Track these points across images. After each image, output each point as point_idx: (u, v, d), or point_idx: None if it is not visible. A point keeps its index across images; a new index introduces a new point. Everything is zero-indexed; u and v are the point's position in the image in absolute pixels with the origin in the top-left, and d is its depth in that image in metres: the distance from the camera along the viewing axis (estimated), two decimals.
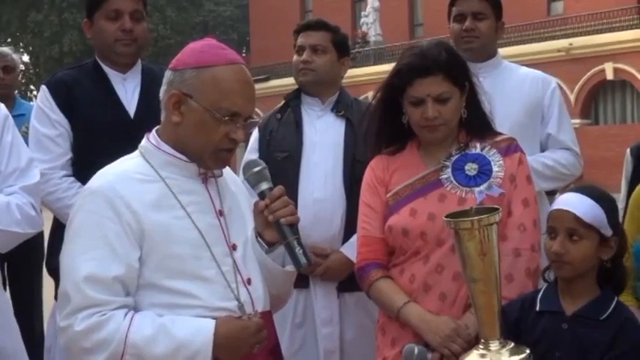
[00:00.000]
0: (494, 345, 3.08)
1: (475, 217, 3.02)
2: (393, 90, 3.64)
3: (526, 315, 3.36)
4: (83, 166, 4.18)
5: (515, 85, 4.80)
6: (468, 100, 3.65)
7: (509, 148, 3.68)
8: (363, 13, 41.28)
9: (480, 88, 3.70)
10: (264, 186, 3.10)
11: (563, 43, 31.56)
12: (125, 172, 3.00)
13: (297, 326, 4.64)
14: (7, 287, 6.79)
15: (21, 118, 7.02)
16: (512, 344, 3.11)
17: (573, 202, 3.28)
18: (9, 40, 51.51)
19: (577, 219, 3.24)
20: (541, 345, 3.28)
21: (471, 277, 3.07)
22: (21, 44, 51.78)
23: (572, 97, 31.35)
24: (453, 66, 3.59)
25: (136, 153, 3.09)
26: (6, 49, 7.46)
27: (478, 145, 3.66)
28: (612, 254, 3.30)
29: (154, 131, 3.10)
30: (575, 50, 31.18)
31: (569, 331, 3.27)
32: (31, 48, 50.54)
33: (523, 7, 34.39)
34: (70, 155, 4.45)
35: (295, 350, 4.62)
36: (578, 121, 31.15)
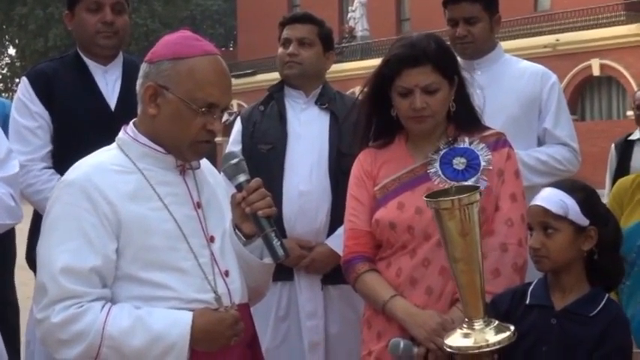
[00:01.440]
0: (479, 324, 3.11)
1: (455, 197, 3.04)
2: (382, 81, 3.62)
3: (516, 307, 3.35)
4: (63, 158, 4.12)
5: (513, 78, 4.76)
6: (457, 94, 3.63)
7: (498, 142, 3.66)
8: (350, 7, 41.32)
9: (469, 82, 3.68)
10: (242, 178, 3.08)
11: (549, 38, 31.59)
12: (102, 164, 2.98)
13: (281, 319, 4.60)
14: None
15: None
16: (497, 322, 3.12)
17: (543, 197, 3.29)
18: None
19: (546, 212, 3.24)
20: (528, 338, 3.26)
21: (453, 256, 3.10)
22: (6, 37, 51.73)
23: None
24: (442, 58, 3.57)
25: (114, 145, 3.07)
26: None
27: (467, 139, 3.64)
28: (593, 244, 3.27)
29: (131, 123, 3.08)
30: (562, 46, 31.21)
31: (557, 326, 3.25)
32: (17, 41, 50.45)
33: (510, 3, 34.23)
34: (50, 147, 4.42)
35: (278, 343, 4.59)
36: None
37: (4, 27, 50.54)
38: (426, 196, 3.11)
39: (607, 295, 3.30)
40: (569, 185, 3.32)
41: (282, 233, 4.42)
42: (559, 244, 3.23)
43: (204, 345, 2.90)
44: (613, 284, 3.40)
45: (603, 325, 3.19)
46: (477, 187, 3.10)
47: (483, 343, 3.09)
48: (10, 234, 6.80)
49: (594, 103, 32.82)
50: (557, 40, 31.38)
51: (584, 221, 3.25)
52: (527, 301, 3.33)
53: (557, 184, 3.35)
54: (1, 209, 3.61)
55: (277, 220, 4.38)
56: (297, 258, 4.48)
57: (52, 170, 4.35)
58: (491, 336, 3.09)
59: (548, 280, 3.34)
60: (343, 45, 38.59)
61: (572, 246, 3.25)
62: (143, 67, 3.03)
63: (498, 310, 3.33)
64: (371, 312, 3.65)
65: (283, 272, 4.44)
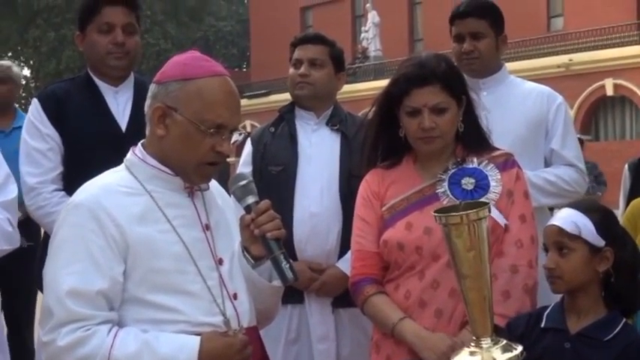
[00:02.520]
0: (486, 342, 3.04)
1: (463, 212, 2.99)
2: (390, 100, 3.60)
3: (531, 331, 3.32)
4: (74, 180, 4.08)
5: (519, 99, 4.72)
6: (465, 115, 3.61)
7: (507, 163, 3.64)
8: (363, 28, 41.37)
9: (477, 103, 3.66)
10: (251, 200, 3.05)
11: (563, 58, 31.57)
12: (110, 185, 2.96)
13: (291, 342, 4.56)
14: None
15: (21, 130, 7.00)
16: (505, 341, 3.07)
17: (559, 217, 3.27)
18: (10, 54, 51.69)
19: (561, 231, 3.22)
20: None
21: (461, 272, 3.05)
22: (21, 58, 51.94)
23: (572, 113, 31.35)
24: (451, 77, 3.55)
25: (122, 166, 3.05)
26: (5, 63, 7.42)
27: (475, 159, 3.62)
28: (609, 265, 3.23)
29: (139, 144, 3.06)
30: (575, 66, 31.18)
31: (571, 350, 3.21)
32: (31, 62, 50.68)
33: (523, 23, 34.39)
34: (60, 169, 4.40)
35: None
36: (578, 136, 31.09)
37: (19, 49, 50.79)
38: (434, 212, 3.09)
39: (624, 319, 3.25)
40: (585, 205, 3.30)
41: (292, 255, 4.43)
42: (573, 264, 3.20)
43: None
44: (631, 308, 3.34)
45: (618, 350, 3.15)
46: (487, 204, 3.06)
47: None
48: (31, 254, 6.85)
49: (608, 123, 32.75)
50: (571, 60, 31.35)
51: (600, 242, 3.21)
52: (543, 325, 3.30)
53: (573, 205, 3.32)
54: (1, 235, 3.59)
55: (288, 243, 4.39)
56: (307, 281, 4.45)
57: (62, 192, 4.32)
58: (499, 355, 3.02)
59: (565, 303, 3.30)
60: (356, 65, 38.64)
61: (586, 267, 3.21)
62: (151, 88, 3.02)
63: (513, 333, 3.30)
64: (379, 335, 3.62)
65: (294, 295, 4.43)
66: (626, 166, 8.23)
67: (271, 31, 44.26)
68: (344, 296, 4.27)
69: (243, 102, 37.88)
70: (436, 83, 3.50)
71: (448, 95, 3.52)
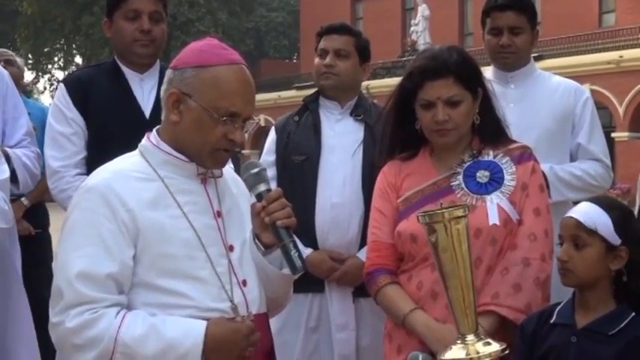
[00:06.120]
0: (470, 338, 3.12)
1: (440, 211, 3.06)
2: (406, 93, 3.60)
3: (541, 327, 3.31)
4: (97, 164, 4.12)
5: (547, 93, 4.71)
6: (482, 107, 3.60)
7: (523, 156, 3.62)
8: (412, 21, 41.19)
9: (493, 95, 3.64)
10: (262, 187, 3.05)
11: (613, 55, 31.23)
12: (122, 170, 2.98)
13: (312, 330, 4.59)
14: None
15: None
16: (488, 339, 3.16)
17: (578, 210, 3.25)
18: (62, 41, 52.09)
19: (579, 225, 3.20)
20: (551, 356, 3.23)
21: (442, 271, 3.11)
22: (74, 45, 52.32)
23: (621, 110, 31.03)
24: (464, 69, 3.53)
25: (136, 152, 3.07)
26: (9, 50, 7.51)
27: (491, 152, 3.61)
28: (622, 264, 3.21)
29: (154, 130, 3.08)
30: (625, 63, 30.82)
31: (576, 344, 3.21)
32: (83, 49, 51.02)
33: (575, 19, 34.18)
34: (84, 154, 4.45)
35: (309, 354, 4.59)
36: (627, 134, 30.82)
37: (72, 36, 51.17)
38: (419, 214, 3.15)
39: (632, 314, 3.22)
40: (606, 202, 3.28)
41: (314, 245, 4.46)
42: (587, 258, 3.19)
43: (217, 355, 2.87)
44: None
45: (621, 345, 3.14)
46: (465, 205, 3.11)
47: (474, 355, 3.10)
48: (46, 236, 6.94)
49: None
50: (621, 56, 31.00)
51: (616, 240, 3.20)
52: (553, 320, 3.29)
53: (594, 200, 3.30)
54: None
55: (309, 232, 4.42)
56: (328, 270, 4.48)
57: (85, 177, 4.36)
58: (481, 348, 3.10)
59: (576, 299, 3.29)
60: (405, 58, 38.50)
61: (600, 263, 3.20)
62: (168, 74, 3.03)
63: (525, 330, 3.32)
64: (392, 325, 3.63)
65: (314, 284, 4.46)
66: None
67: (322, 22, 43.70)
68: (365, 286, 4.28)
69: (292, 93, 37.97)
70: (449, 76, 3.49)
71: (462, 87, 3.51)
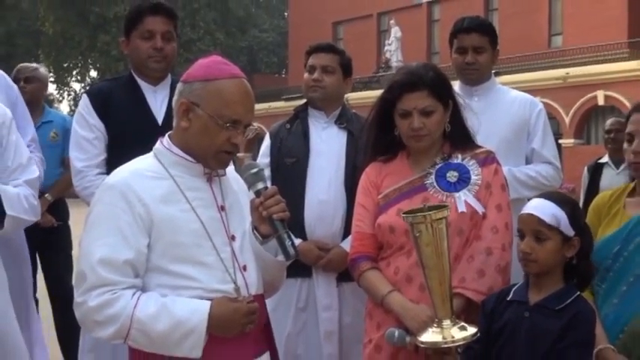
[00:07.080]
0: (447, 323, 3.16)
1: (425, 213, 3.09)
2: (386, 104, 3.62)
3: (499, 304, 3.33)
4: (116, 165, 4.12)
5: (506, 105, 4.75)
6: (452, 117, 3.63)
7: (487, 159, 3.65)
8: (387, 41, 41.23)
9: (462, 106, 3.67)
10: (260, 185, 3.07)
11: (560, 72, 31.33)
12: (138, 170, 2.99)
13: (301, 310, 4.60)
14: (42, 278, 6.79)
15: (49, 125, 7.05)
16: (462, 323, 3.19)
17: (537, 207, 3.26)
18: (79, 57, 51.87)
19: (540, 221, 3.21)
20: (506, 330, 3.25)
21: (424, 264, 3.15)
22: (89, 60, 52.13)
23: (567, 120, 31.21)
24: (438, 84, 3.56)
25: (151, 154, 3.08)
26: (32, 65, 7.38)
27: (460, 155, 3.64)
28: (575, 252, 3.25)
29: (167, 135, 3.10)
30: (571, 79, 30.93)
31: (528, 319, 3.23)
32: (98, 65, 50.86)
33: (527, 40, 34.28)
34: (104, 155, 4.44)
35: (298, 330, 4.61)
36: (572, 140, 30.97)
37: (88, 52, 51.00)
38: (403, 213, 3.17)
39: (578, 292, 3.26)
40: (559, 198, 3.29)
41: (303, 236, 4.48)
42: (548, 250, 3.22)
43: (220, 331, 2.89)
44: (585, 284, 3.37)
45: (566, 319, 3.16)
46: (446, 206, 3.14)
47: (449, 339, 3.15)
48: (65, 229, 6.90)
49: (598, 130, 32.42)
50: (568, 73, 31.12)
51: (571, 232, 3.23)
52: (509, 298, 3.32)
53: (546, 196, 3.31)
54: (29, 208, 3.68)
55: (299, 225, 4.43)
56: (315, 258, 4.50)
57: (105, 176, 4.35)
58: (457, 333, 3.14)
59: (530, 280, 3.32)
60: (380, 74, 38.55)
61: (558, 253, 3.23)
62: (178, 86, 3.05)
63: (486, 309, 3.34)
64: (372, 305, 3.64)
65: (303, 270, 4.48)
66: (585, 168, 8.41)
67: (307, 42, 43.33)
68: (347, 272, 4.28)
69: (281, 104, 37.93)
70: (424, 89, 3.51)
71: (435, 99, 3.53)
